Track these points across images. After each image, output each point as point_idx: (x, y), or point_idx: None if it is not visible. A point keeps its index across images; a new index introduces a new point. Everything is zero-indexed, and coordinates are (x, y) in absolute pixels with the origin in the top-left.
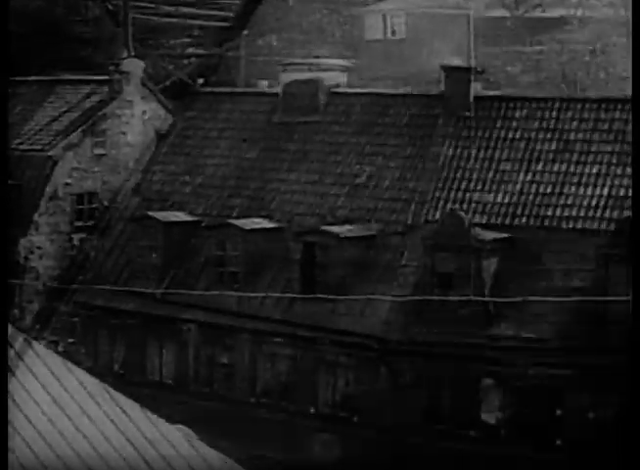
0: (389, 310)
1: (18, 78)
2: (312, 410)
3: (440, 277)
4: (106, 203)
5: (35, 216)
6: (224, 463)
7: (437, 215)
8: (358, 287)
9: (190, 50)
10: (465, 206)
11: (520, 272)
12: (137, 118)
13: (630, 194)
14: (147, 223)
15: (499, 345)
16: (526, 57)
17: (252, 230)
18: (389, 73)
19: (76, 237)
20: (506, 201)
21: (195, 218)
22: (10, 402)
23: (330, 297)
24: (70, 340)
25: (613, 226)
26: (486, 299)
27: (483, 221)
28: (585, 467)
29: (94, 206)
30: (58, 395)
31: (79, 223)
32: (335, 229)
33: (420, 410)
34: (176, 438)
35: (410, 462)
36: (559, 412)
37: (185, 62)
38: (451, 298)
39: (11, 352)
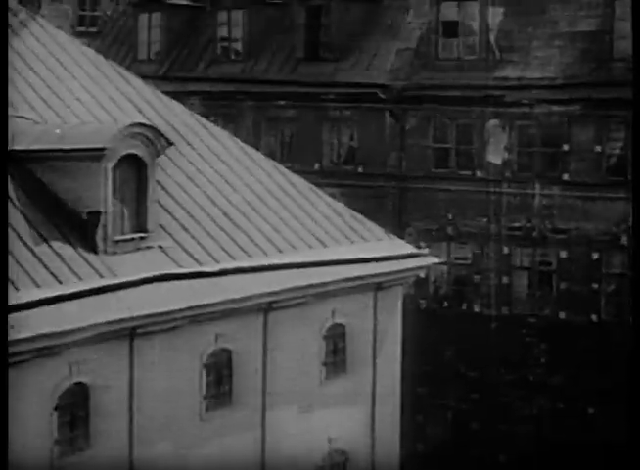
0: (394, 61)
1: None
2: (317, 167)
3: (445, 26)
4: (108, 11)
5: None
6: None
7: None
8: (363, 46)
9: None
10: None
11: (525, 22)
12: None
13: None
14: (150, 8)
15: (505, 85)
16: None
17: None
18: None
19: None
20: None
21: (199, 4)
22: (13, 70)
23: (334, 56)
24: None
25: None
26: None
27: None
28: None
29: (97, 13)
30: (64, 60)
31: (82, 29)
32: None
33: (425, 156)
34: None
35: (413, 207)
36: (566, 147)
37: None
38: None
39: (14, 21)
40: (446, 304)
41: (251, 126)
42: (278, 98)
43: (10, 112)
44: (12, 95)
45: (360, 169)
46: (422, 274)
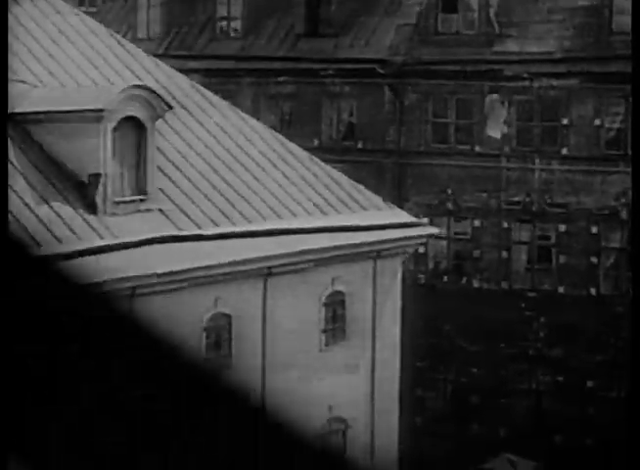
0: (394, 37)
1: None
2: (316, 143)
3: (445, 1)
4: None
5: None
6: None
7: None
8: (363, 21)
9: None
10: None
11: None
12: None
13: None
14: None
15: (504, 59)
16: None
17: None
18: None
19: None
20: None
21: None
22: (13, 36)
23: (334, 32)
24: None
25: None
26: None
27: None
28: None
29: None
30: (64, 28)
31: (82, 9)
32: None
33: (425, 130)
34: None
35: (412, 182)
36: (565, 122)
37: None
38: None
39: None
40: (446, 278)
41: (250, 103)
42: (277, 74)
43: (10, 76)
44: (12, 60)
45: (360, 145)
46: (421, 247)
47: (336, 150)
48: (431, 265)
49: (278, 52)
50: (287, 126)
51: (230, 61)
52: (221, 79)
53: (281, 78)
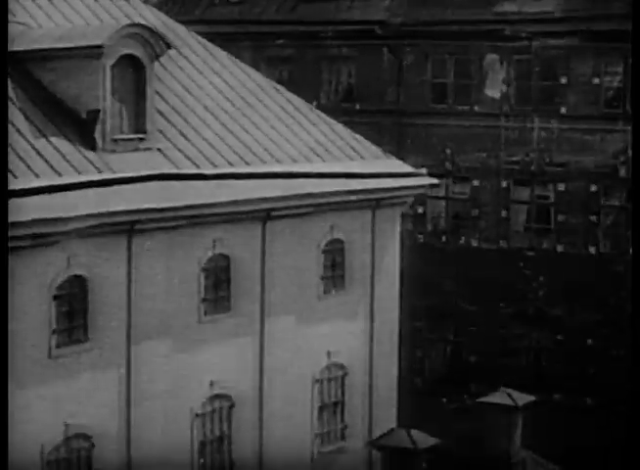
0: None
1: None
2: (315, 104)
3: None
4: None
5: None
6: None
7: None
8: None
9: None
10: None
11: None
12: None
13: None
14: None
15: (503, 19)
16: None
17: None
18: None
19: None
20: None
21: None
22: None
23: None
24: None
25: None
26: None
27: None
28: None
29: None
30: None
31: None
32: None
33: (424, 91)
34: None
35: (411, 142)
36: (564, 81)
37: None
38: None
39: None
40: (444, 238)
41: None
42: (276, 38)
43: (10, 18)
44: (12, 5)
45: (358, 106)
46: (420, 208)
47: (335, 111)
48: (429, 225)
49: (277, 16)
50: (286, 88)
51: (229, 25)
52: (220, 43)
53: (280, 41)
